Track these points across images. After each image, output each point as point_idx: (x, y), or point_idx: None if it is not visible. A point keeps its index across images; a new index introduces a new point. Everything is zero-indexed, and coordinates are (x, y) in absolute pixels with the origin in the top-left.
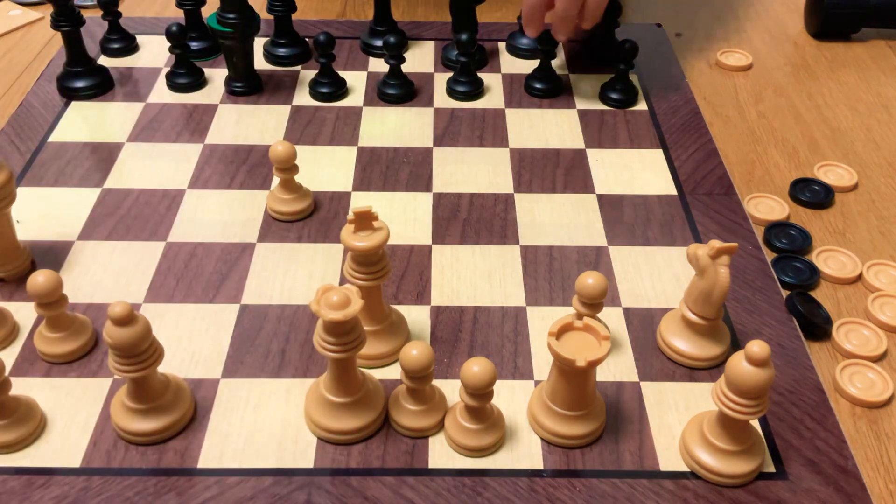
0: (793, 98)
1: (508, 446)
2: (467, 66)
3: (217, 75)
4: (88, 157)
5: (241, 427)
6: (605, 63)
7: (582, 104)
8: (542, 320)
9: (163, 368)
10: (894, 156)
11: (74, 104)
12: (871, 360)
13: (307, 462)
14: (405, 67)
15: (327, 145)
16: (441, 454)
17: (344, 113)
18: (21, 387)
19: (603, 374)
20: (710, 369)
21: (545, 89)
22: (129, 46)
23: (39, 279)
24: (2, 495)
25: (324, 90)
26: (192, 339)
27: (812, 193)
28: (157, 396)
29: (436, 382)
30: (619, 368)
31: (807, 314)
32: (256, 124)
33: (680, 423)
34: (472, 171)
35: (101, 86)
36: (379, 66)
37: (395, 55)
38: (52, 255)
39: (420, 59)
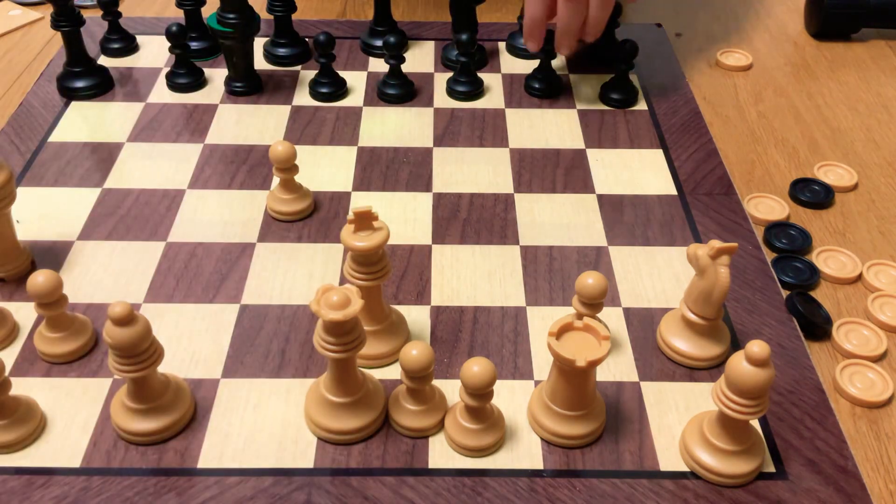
0: (793, 98)
1: (508, 446)
2: (467, 66)
3: (217, 75)
4: (88, 157)
5: (241, 427)
6: (605, 63)
7: (582, 104)
8: (542, 320)
9: (163, 368)
10: (894, 156)
11: (74, 104)
12: (871, 360)
13: (307, 462)
14: (405, 67)
15: (327, 145)
16: (441, 454)
17: (344, 113)
18: (21, 387)
19: (603, 374)
20: (710, 369)
21: (545, 89)
22: (129, 46)
23: (39, 279)
24: (2, 495)
25: (324, 90)
26: (191, 339)
27: (812, 193)
28: (157, 396)
29: (436, 382)
30: (619, 368)
31: (807, 314)
32: (256, 124)
33: (680, 423)
34: (472, 171)
35: (101, 86)
36: (379, 66)
37: (395, 55)
38: (52, 255)
39: (420, 59)
